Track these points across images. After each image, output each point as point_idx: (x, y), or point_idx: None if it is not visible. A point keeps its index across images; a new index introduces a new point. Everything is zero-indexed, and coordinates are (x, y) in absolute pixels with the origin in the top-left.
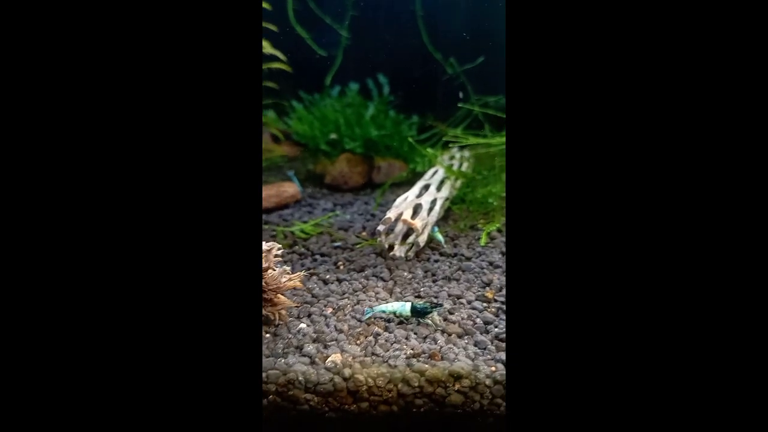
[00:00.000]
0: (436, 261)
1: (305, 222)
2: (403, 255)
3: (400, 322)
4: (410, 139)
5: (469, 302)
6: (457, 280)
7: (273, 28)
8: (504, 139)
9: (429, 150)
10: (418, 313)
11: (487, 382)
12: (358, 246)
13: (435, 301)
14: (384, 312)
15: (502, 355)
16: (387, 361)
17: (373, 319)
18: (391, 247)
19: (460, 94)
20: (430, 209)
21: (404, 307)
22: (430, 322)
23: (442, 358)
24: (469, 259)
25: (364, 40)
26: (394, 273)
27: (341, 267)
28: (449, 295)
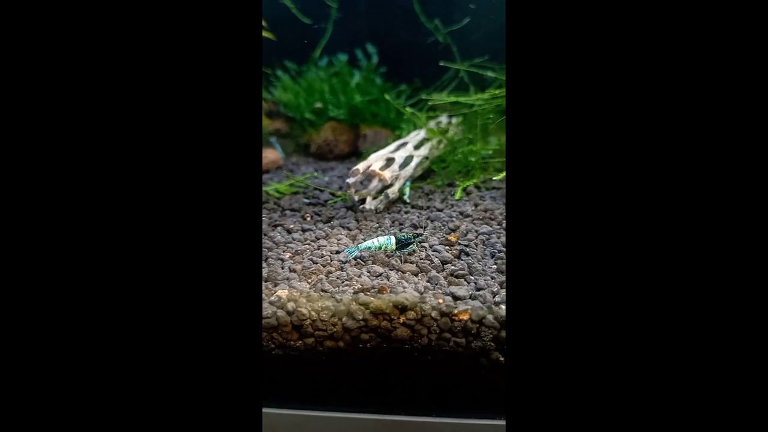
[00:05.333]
0: (407, 212)
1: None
2: (373, 208)
3: (357, 264)
4: (387, 96)
5: (432, 246)
6: (424, 227)
7: None
8: (485, 96)
9: (408, 110)
10: (402, 243)
11: (434, 314)
12: (329, 201)
13: (416, 231)
14: (369, 248)
15: (453, 289)
16: (333, 296)
17: (354, 259)
18: (363, 201)
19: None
20: (405, 164)
21: (389, 240)
22: (415, 248)
23: (391, 293)
24: (441, 210)
25: (354, 11)
26: (361, 223)
27: (309, 219)
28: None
